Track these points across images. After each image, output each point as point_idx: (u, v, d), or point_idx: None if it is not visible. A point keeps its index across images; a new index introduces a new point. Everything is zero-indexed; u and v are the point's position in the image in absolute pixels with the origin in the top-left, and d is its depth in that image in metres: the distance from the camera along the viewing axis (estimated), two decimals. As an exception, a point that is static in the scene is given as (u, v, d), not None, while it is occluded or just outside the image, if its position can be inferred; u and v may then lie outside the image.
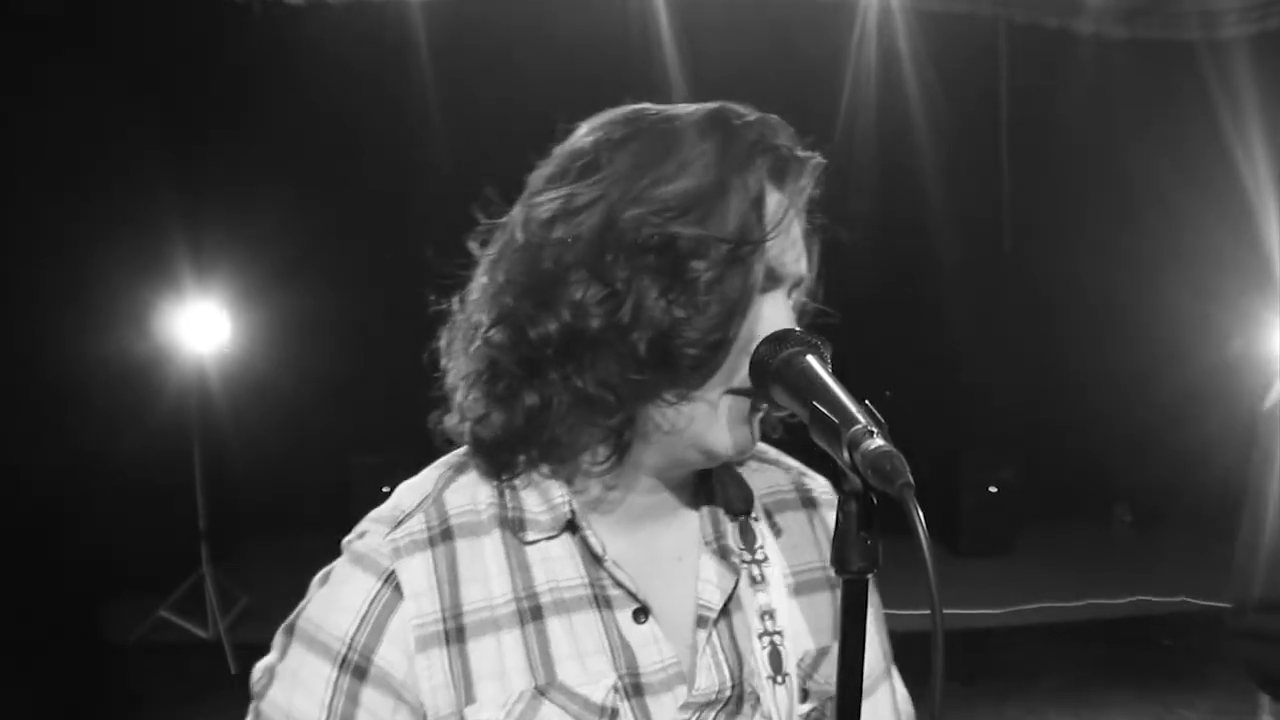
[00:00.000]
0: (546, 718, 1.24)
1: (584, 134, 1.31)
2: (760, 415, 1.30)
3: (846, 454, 1.06)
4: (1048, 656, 6.80)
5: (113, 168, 7.00)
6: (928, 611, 0.95)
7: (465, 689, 1.24)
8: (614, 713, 1.27)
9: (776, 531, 1.49)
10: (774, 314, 1.26)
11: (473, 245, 1.35)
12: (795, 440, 1.39)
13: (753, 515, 1.47)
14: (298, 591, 1.33)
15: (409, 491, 1.36)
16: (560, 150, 1.31)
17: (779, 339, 1.22)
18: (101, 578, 7.13)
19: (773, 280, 1.27)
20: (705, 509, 1.42)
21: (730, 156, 1.23)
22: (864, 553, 1.08)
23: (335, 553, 1.32)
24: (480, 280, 1.32)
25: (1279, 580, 2.26)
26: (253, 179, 7.64)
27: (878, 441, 1.04)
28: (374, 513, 1.34)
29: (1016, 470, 9.07)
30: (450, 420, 1.36)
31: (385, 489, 1.39)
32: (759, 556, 1.44)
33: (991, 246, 9.54)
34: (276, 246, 7.54)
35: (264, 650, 1.32)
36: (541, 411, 1.26)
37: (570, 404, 1.25)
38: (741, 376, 1.25)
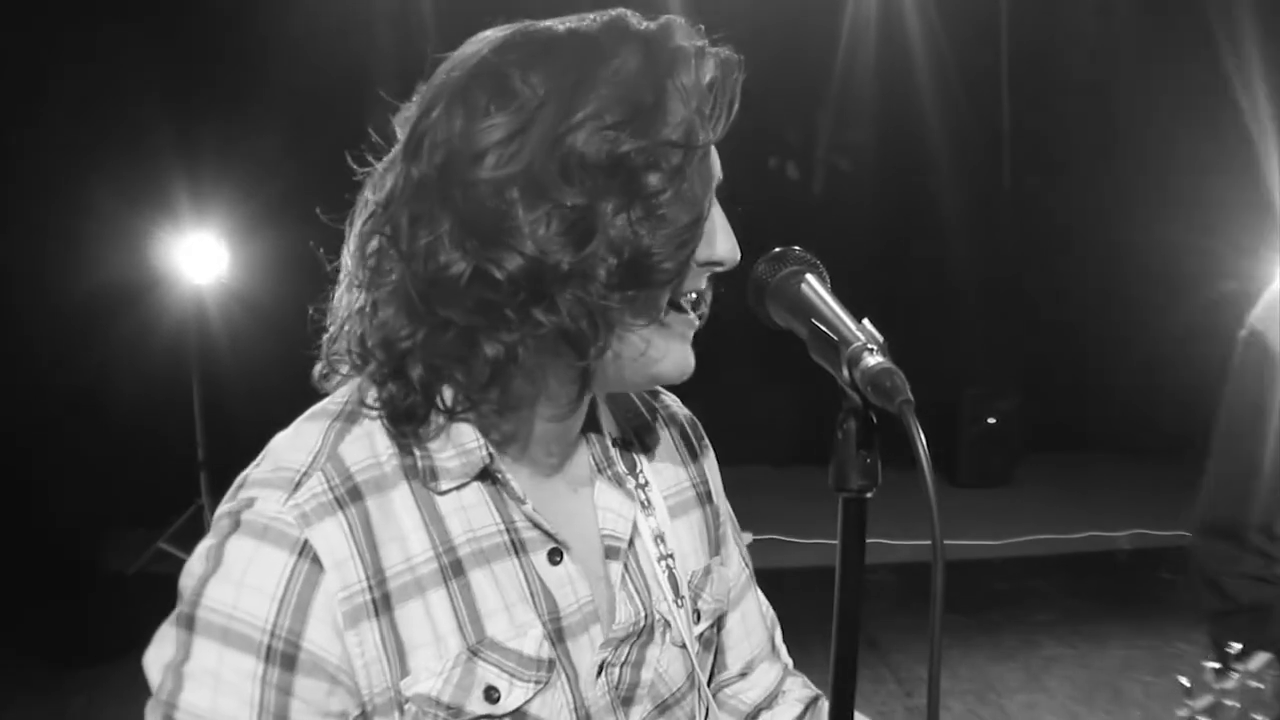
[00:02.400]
0: (484, 679, 1.20)
1: (477, 59, 1.20)
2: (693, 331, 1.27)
3: (846, 371, 1.05)
4: (1045, 588, 6.85)
5: (108, 96, 6.92)
6: (929, 542, 0.94)
7: (399, 661, 1.17)
8: (550, 664, 1.24)
9: (649, 454, 1.48)
10: (717, 217, 1.24)
11: (367, 195, 1.25)
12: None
13: (627, 439, 1.45)
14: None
15: (291, 449, 1.23)
16: (444, 82, 1.20)
17: (778, 258, 1.20)
18: (100, 509, 7.14)
19: None
20: (593, 435, 1.40)
21: (656, 63, 1.17)
22: (864, 471, 1.07)
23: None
24: (379, 231, 1.21)
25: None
26: (251, 109, 7.57)
27: (877, 358, 1.03)
28: (253, 475, 1.21)
29: (1016, 402, 9.10)
30: (358, 383, 1.27)
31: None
32: (641, 481, 1.43)
33: (991, 183, 9.47)
34: (275, 177, 7.46)
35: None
36: (506, 361, 1.16)
37: (537, 347, 1.17)
38: (687, 286, 1.22)
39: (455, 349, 1.17)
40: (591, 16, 1.21)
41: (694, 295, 1.24)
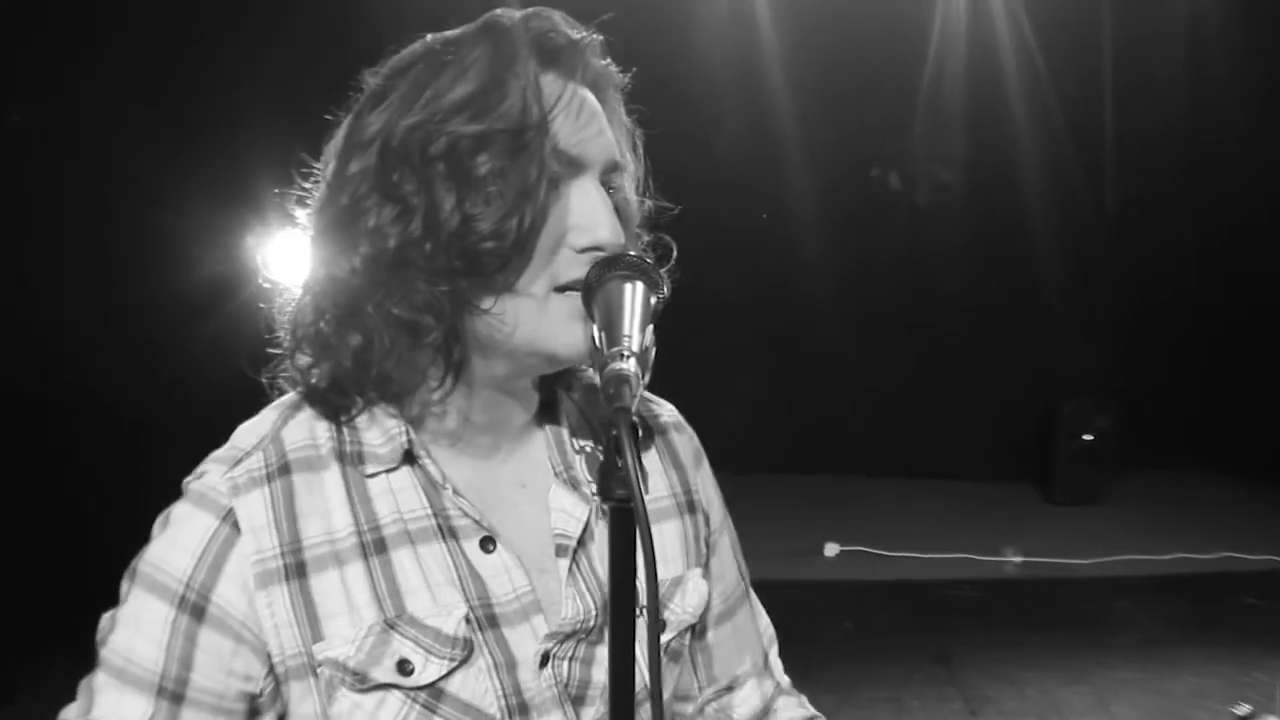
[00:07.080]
0: (398, 652, 1.24)
1: (384, 70, 1.31)
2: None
3: (598, 376, 1.05)
4: (1128, 610, 6.65)
5: (195, 92, 7.06)
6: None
7: (311, 626, 1.24)
8: (468, 643, 1.27)
9: None
10: (582, 201, 1.26)
11: (295, 210, 1.35)
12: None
13: (599, 446, 1.45)
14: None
15: (246, 432, 1.34)
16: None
17: (610, 262, 1.20)
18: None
19: (574, 166, 1.26)
20: (551, 438, 1.42)
21: (501, 53, 1.22)
22: (624, 481, 1.04)
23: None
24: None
25: None
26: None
27: (621, 365, 1.04)
28: (213, 454, 1.33)
29: (1113, 420, 8.86)
30: (285, 372, 1.36)
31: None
32: None
33: (1094, 193, 9.17)
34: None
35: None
36: (366, 349, 1.25)
37: (392, 335, 1.24)
38: (569, 274, 1.24)
39: (328, 338, 1.28)
40: (479, 21, 1.29)
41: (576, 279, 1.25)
